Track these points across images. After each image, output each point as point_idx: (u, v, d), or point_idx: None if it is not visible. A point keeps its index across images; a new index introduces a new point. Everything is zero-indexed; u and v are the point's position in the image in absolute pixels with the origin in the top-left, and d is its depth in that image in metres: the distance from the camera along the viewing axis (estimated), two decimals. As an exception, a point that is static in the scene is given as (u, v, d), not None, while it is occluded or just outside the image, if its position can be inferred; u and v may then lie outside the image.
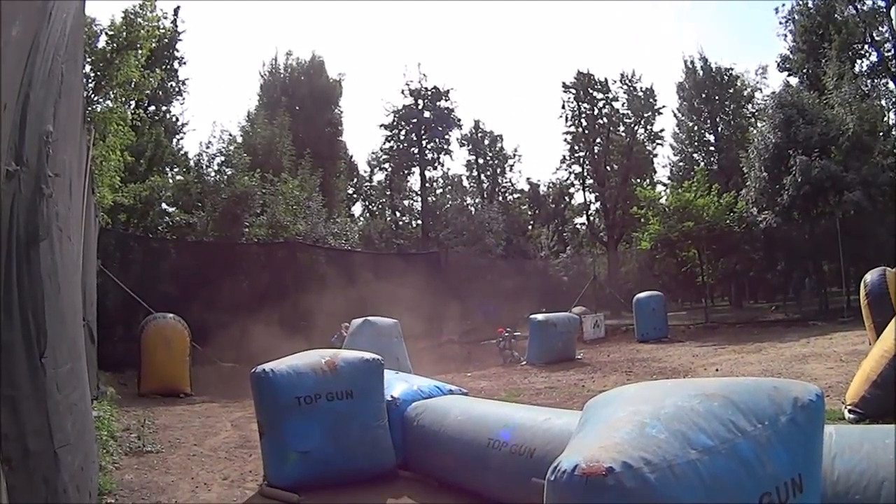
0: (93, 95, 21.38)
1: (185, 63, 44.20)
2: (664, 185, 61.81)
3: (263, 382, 8.33)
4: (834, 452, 4.72)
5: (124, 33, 21.30)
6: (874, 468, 4.54)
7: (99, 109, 21.24)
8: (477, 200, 69.67)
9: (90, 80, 21.20)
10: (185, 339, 18.95)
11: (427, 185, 63.45)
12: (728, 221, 37.18)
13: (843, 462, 4.67)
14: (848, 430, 5.34)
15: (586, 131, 64.80)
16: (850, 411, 9.98)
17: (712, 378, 7.02)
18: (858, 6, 48.17)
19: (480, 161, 74.10)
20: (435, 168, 64.44)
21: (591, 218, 69.68)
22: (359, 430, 8.47)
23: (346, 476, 8.39)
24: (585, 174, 67.27)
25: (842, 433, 5.03)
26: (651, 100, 63.66)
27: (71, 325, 5.06)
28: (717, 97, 61.61)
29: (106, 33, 22.06)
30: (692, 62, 63.12)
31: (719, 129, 61.61)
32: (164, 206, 32.68)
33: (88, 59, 20.80)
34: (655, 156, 68.00)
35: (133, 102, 27.40)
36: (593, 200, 68.51)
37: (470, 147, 72.91)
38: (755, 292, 55.01)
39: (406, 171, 65.07)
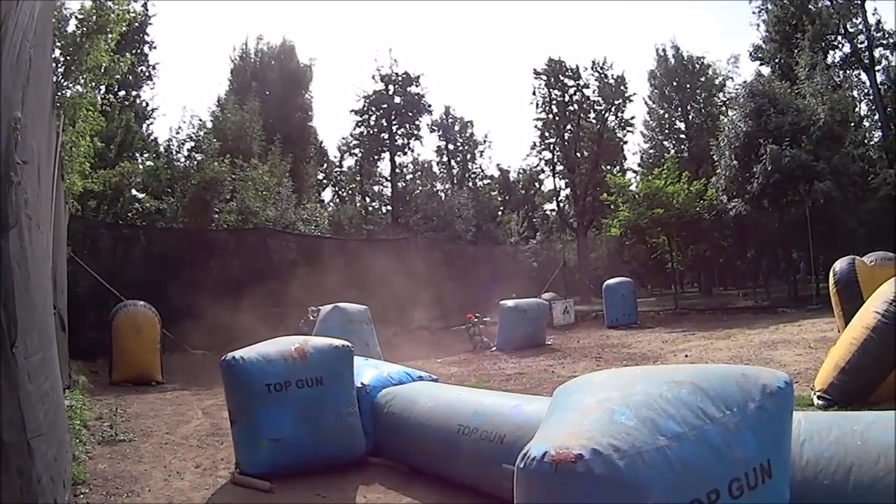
0: (62, 80, 21.21)
1: (155, 47, 44.40)
2: (634, 172, 62.22)
3: (233, 370, 8.30)
4: (803, 438, 4.78)
5: (94, 17, 21.05)
6: (843, 453, 4.60)
7: (68, 94, 21.03)
8: (447, 186, 69.79)
9: (59, 65, 21.02)
10: (156, 327, 18.80)
11: (397, 170, 63.45)
12: (698, 209, 37.30)
13: (812, 447, 4.74)
14: (817, 416, 5.40)
15: (557, 118, 64.85)
16: (818, 397, 10.12)
17: (681, 365, 7.09)
18: None
19: (450, 147, 74.10)
20: (405, 154, 64.55)
21: (561, 204, 69.93)
22: (329, 416, 8.47)
23: (317, 463, 8.39)
24: (556, 161, 67.40)
25: (811, 419, 5.10)
26: (622, 87, 63.68)
27: (41, 313, 5.03)
28: (688, 85, 61.99)
29: (76, 17, 21.82)
30: (664, 50, 63.72)
31: (690, 117, 62.01)
32: (133, 192, 32.47)
33: (58, 44, 20.60)
34: (626, 143, 68.32)
35: (103, 87, 27.17)
36: (563, 187, 68.78)
37: (440, 133, 72.88)
38: (724, 279, 55.48)
39: (376, 157, 65.00)
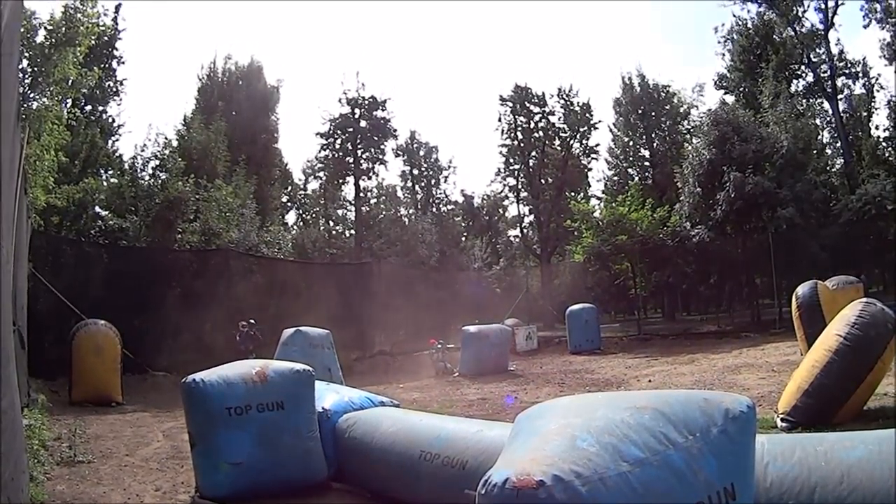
0: (28, 92, 21.09)
1: (123, 63, 43.89)
2: (598, 198, 62.41)
3: (194, 392, 8.23)
4: (766, 460, 4.82)
5: (63, 28, 21.00)
6: (806, 473, 4.65)
7: (34, 107, 20.92)
8: (411, 211, 69.86)
9: (26, 76, 20.90)
10: (117, 347, 18.65)
11: (361, 194, 63.06)
12: (661, 235, 37.53)
13: (776, 468, 4.77)
14: (780, 438, 5.47)
15: (522, 144, 64.95)
16: (782, 420, 10.25)
17: (644, 391, 7.10)
18: (797, 28, 49.57)
19: (415, 172, 74.22)
20: (370, 178, 64.05)
21: (525, 230, 69.91)
22: (290, 441, 8.41)
23: (278, 488, 8.32)
24: (520, 187, 67.54)
25: (774, 441, 5.14)
26: (587, 114, 63.77)
27: (0, 330, 4.96)
28: (653, 113, 62.30)
29: (45, 28, 21.75)
30: (630, 78, 63.98)
31: (654, 144, 62.36)
32: (97, 209, 32.18)
33: (26, 55, 20.51)
34: (590, 170, 68.43)
35: (69, 101, 27.06)
36: (527, 213, 68.78)
37: (405, 158, 73.01)
38: (688, 304, 55.66)
39: (341, 181, 64.64)
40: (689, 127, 59.70)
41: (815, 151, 41.99)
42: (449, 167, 75.96)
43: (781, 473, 4.74)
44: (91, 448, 11.44)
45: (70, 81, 21.87)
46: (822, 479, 4.56)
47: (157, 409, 17.19)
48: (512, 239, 75.93)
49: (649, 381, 19.05)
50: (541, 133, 64.66)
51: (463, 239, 74.06)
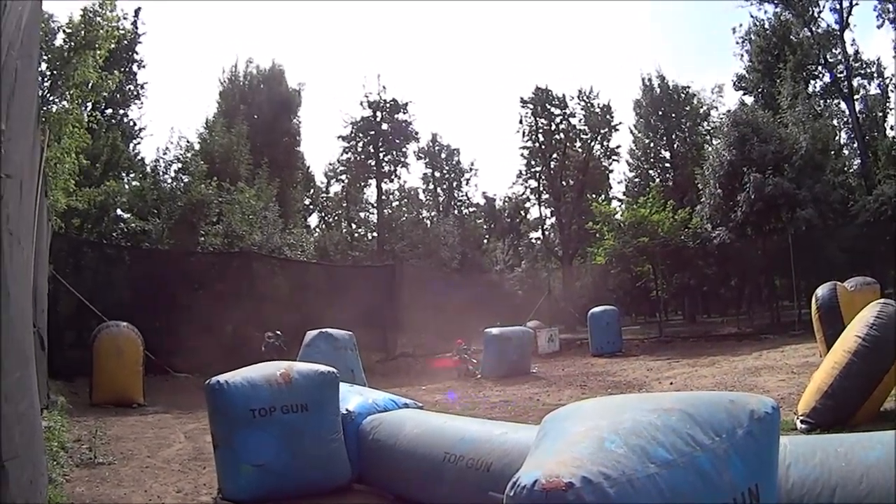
0: (48, 95, 21.17)
1: (144, 66, 44.15)
2: (619, 200, 62.16)
3: (217, 394, 8.20)
4: (788, 462, 4.84)
5: (83, 32, 21.07)
6: (827, 475, 4.68)
7: (54, 110, 21.00)
8: (433, 214, 69.95)
9: (46, 79, 20.98)
10: (139, 349, 18.57)
11: (383, 197, 63.06)
12: (682, 237, 37.60)
13: (798, 470, 4.80)
14: (801, 440, 5.52)
15: (543, 146, 64.95)
16: (802, 421, 10.19)
17: (670, 392, 7.07)
18: (813, 29, 49.75)
19: (437, 174, 74.35)
20: (391, 181, 64.08)
21: (547, 233, 69.93)
22: (314, 443, 8.37)
23: (301, 490, 8.29)
24: (541, 189, 67.62)
25: (795, 443, 5.16)
26: (608, 116, 63.82)
27: (20, 332, 4.93)
28: (673, 114, 62.09)
29: (64, 31, 21.86)
30: (649, 80, 63.66)
31: (675, 146, 62.12)
32: (119, 212, 32.34)
33: (45, 57, 20.57)
34: (611, 171, 68.41)
35: (90, 104, 27.13)
36: (549, 215, 68.96)
37: (427, 160, 73.22)
38: (708, 306, 55.50)
39: (363, 183, 64.71)
40: (709, 128, 59.51)
41: (832, 152, 42.14)
42: (470, 169, 76.30)
43: (803, 475, 4.77)
44: (111, 449, 11.42)
45: (90, 85, 21.90)
46: (843, 480, 4.60)
47: (179, 410, 17.16)
48: (533, 241, 75.95)
49: (671, 383, 19.02)
50: (562, 135, 64.67)
51: (485, 241, 74.28)
